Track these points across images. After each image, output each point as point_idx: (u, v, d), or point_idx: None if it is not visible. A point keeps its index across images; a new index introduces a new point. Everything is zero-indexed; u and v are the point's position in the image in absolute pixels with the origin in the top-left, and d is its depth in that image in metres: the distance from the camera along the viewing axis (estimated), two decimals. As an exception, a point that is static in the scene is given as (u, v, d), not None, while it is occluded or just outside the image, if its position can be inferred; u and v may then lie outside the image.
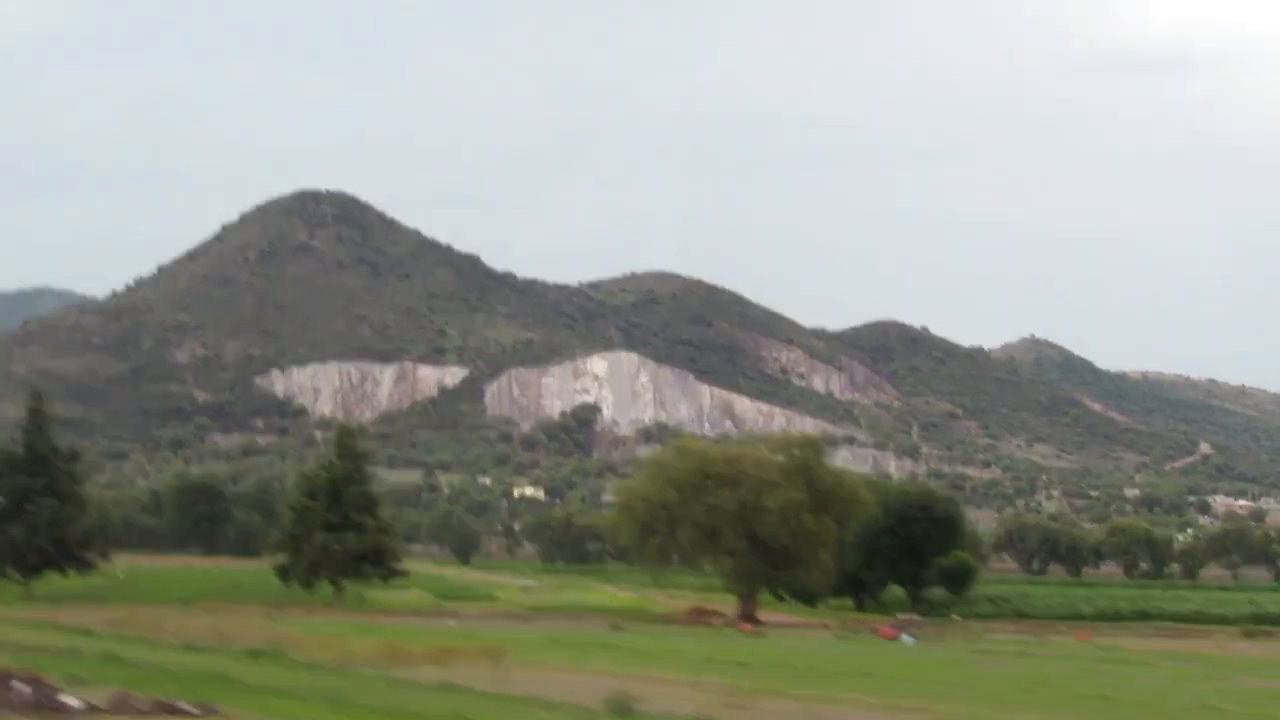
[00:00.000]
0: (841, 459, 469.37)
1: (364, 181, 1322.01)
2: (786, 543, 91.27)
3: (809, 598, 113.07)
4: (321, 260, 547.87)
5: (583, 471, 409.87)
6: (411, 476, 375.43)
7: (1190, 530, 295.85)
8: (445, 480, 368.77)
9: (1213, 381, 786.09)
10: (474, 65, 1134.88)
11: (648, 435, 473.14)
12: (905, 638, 76.96)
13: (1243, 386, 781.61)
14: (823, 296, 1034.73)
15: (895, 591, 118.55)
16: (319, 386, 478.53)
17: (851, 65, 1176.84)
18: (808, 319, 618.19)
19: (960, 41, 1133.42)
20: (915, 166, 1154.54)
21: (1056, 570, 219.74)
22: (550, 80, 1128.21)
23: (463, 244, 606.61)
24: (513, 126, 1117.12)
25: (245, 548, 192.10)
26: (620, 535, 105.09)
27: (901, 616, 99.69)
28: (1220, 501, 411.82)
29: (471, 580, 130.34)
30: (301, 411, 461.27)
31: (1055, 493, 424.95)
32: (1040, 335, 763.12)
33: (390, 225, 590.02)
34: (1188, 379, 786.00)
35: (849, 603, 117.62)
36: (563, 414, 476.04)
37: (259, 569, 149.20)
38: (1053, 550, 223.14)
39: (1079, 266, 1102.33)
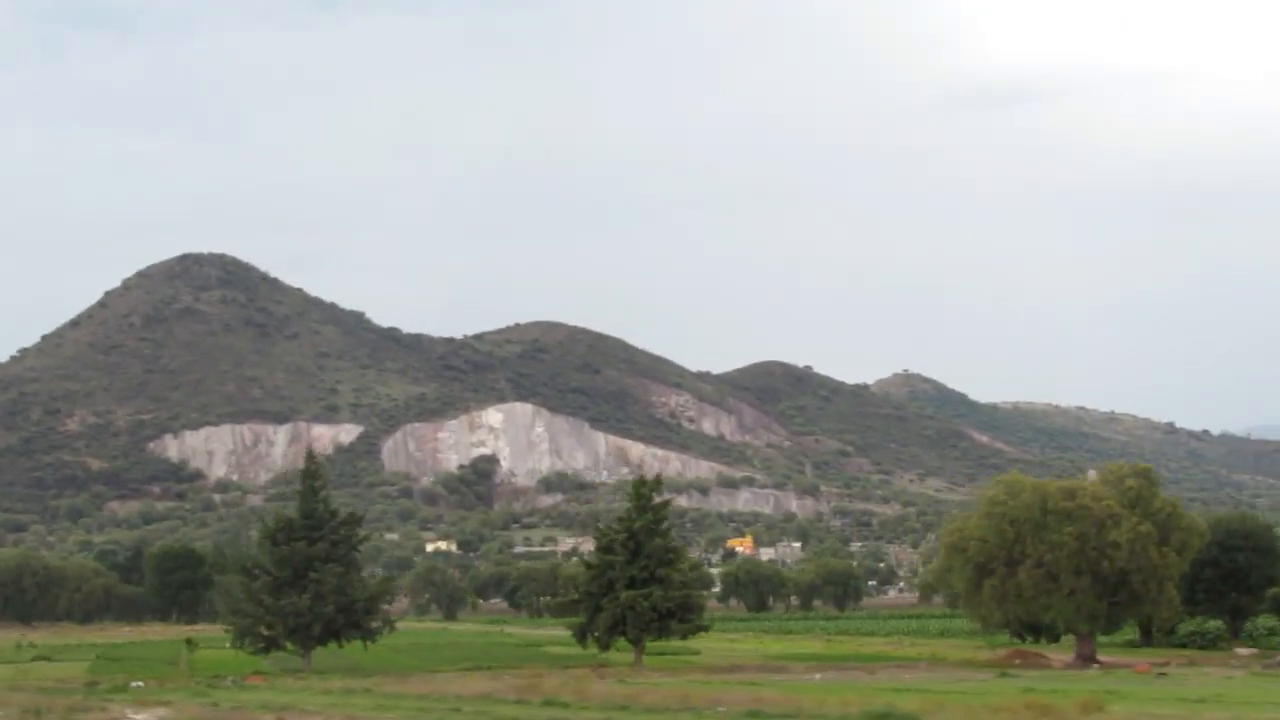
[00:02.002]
0: (744, 500, 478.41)
1: (243, 243, 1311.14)
2: (1131, 578, 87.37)
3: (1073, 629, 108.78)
4: (208, 322, 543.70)
5: (490, 524, 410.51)
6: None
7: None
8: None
9: (1082, 409, 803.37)
10: (331, 127, 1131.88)
11: (548, 485, 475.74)
12: None
13: (1112, 412, 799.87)
14: (705, 339, 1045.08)
15: (1187, 624, 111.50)
16: (213, 449, 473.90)
17: (706, 113, 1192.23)
18: (693, 363, 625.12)
19: (806, 89, 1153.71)
20: (778, 210, 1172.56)
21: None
22: (408, 137, 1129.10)
23: (347, 302, 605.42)
24: (376, 183, 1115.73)
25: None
26: (952, 579, 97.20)
27: (1243, 651, 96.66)
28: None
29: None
30: (197, 475, 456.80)
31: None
32: (913, 370, 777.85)
33: (274, 285, 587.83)
34: (1058, 407, 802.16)
35: (1127, 636, 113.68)
36: (461, 467, 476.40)
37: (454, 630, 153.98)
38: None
39: (944, 302, 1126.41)
